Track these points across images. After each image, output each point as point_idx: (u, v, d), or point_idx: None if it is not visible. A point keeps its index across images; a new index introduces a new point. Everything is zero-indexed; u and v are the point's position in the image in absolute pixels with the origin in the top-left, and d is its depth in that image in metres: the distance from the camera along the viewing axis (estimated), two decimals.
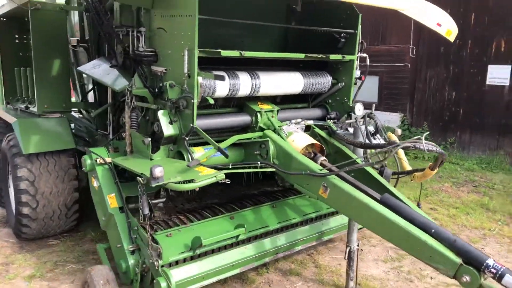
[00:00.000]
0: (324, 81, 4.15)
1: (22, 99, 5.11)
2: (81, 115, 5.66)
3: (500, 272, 2.31)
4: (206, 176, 2.80)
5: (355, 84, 4.20)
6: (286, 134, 3.52)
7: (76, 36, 5.07)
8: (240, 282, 4.01)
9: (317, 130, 3.87)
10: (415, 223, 2.71)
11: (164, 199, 3.82)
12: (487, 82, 8.82)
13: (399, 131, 3.96)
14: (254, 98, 3.92)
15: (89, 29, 4.58)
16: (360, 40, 4.04)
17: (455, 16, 4.41)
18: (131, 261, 3.29)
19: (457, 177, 7.85)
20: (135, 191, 3.66)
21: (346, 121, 3.75)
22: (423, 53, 9.86)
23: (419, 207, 3.07)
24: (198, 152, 3.36)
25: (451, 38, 4.33)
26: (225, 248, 3.46)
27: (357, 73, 4.15)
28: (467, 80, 9.15)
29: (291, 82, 3.93)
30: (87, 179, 4.88)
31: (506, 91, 8.58)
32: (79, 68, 4.26)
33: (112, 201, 3.47)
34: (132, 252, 3.31)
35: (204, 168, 2.98)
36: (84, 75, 5.26)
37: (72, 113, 5.34)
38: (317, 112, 4.31)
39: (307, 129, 3.94)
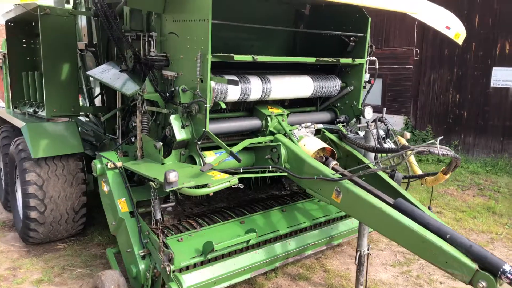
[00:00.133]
0: (333, 85, 4.14)
1: (30, 103, 5.11)
2: (87, 119, 5.65)
3: None
4: (219, 181, 2.79)
5: (364, 87, 4.20)
6: (297, 138, 3.52)
7: (83, 40, 5.07)
8: (249, 286, 4.00)
9: (327, 134, 3.86)
10: (429, 228, 2.70)
11: (173, 203, 3.81)
12: (492, 85, 8.82)
13: (408, 135, 3.95)
14: (263, 102, 3.92)
15: (98, 34, 4.57)
16: (370, 44, 4.04)
17: (460, 18, 4.42)
18: (142, 266, 3.27)
19: (462, 180, 7.83)
20: (144, 196, 3.66)
21: (358, 125, 3.74)
22: (426, 56, 9.86)
23: (430, 210, 3.06)
24: (210, 157, 3.36)
25: (460, 40, 4.34)
26: (235, 252, 3.45)
27: (366, 76, 4.15)
28: (471, 83, 9.15)
29: (301, 86, 3.93)
30: (94, 183, 4.91)
31: (510, 94, 8.57)
32: (88, 72, 4.26)
33: (122, 205, 3.45)
34: (143, 257, 3.29)
35: (217, 172, 2.97)
36: (91, 79, 5.26)
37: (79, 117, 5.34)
38: (326, 116, 4.31)
39: (317, 132, 3.93)
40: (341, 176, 3.05)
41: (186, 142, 3.30)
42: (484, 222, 5.78)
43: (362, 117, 4.10)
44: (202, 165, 3.16)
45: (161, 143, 3.26)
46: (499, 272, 2.37)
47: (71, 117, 4.72)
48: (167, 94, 3.37)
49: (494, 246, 5.10)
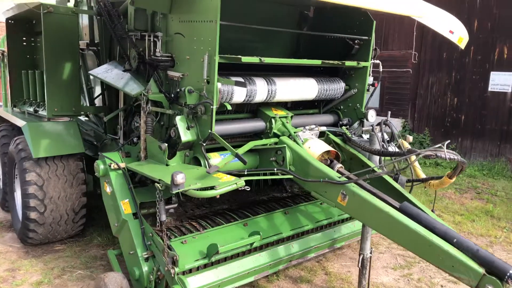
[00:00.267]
0: (337, 87, 4.14)
1: (30, 102, 5.05)
2: (87, 119, 5.60)
3: None
4: (226, 183, 2.78)
5: (368, 90, 4.20)
6: (302, 141, 3.51)
7: (84, 39, 5.03)
8: None
9: (331, 136, 3.86)
10: (436, 232, 2.70)
11: (176, 205, 3.78)
12: (489, 89, 8.87)
13: (410, 138, 3.96)
14: (267, 104, 3.90)
15: (100, 33, 4.53)
16: (374, 47, 4.05)
17: None
18: (145, 268, 3.24)
19: (460, 183, 7.87)
20: (147, 197, 3.64)
21: (364, 128, 3.74)
22: (425, 59, 9.90)
23: (434, 213, 3.07)
24: (214, 158, 3.34)
25: (462, 45, 4.36)
26: (238, 255, 3.43)
27: (370, 79, 4.15)
28: (469, 87, 9.20)
29: (305, 88, 3.92)
30: (94, 184, 4.87)
31: (508, 98, 8.63)
32: (90, 72, 4.22)
33: (126, 207, 3.42)
34: (146, 259, 3.26)
35: (223, 174, 2.95)
36: (91, 78, 5.22)
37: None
38: (329, 118, 4.30)
39: (321, 135, 3.93)
40: (347, 179, 3.05)
41: (191, 143, 3.27)
42: (482, 226, 5.81)
43: (365, 120, 4.10)
44: (207, 167, 3.14)
45: (166, 144, 3.23)
46: (506, 277, 2.38)
47: (72, 117, 4.68)
48: (172, 95, 3.35)
49: (493, 249, 5.13)
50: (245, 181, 3.16)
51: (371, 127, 3.55)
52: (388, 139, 3.59)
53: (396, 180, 3.51)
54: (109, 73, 3.94)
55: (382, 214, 2.80)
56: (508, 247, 5.24)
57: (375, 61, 4.14)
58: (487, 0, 8.79)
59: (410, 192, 3.57)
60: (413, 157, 2.84)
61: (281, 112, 3.83)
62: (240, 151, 3.25)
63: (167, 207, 3.68)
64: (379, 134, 3.48)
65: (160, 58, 3.35)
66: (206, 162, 3.18)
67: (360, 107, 4.21)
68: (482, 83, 8.98)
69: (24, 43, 5.23)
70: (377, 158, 3.60)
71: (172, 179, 2.59)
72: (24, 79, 5.13)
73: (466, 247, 2.57)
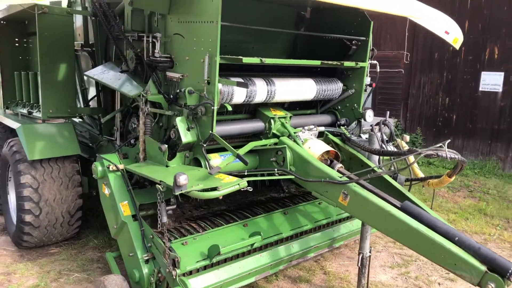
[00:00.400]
0: (335, 88, 4.16)
1: (23, 104, 4.98)
2: (81, 120, 5.54)
3: None
4: (229, 184, 2.76)
5: (365, 90, 4.23)
6: (302, 141, 3.51)
7: (77, 40, 4.97)
8: None
9: (330, 136, 3.87)
10: (437, 230, 2.72)
11: (174, 206, 3.75)
12: (480, 89, 9.00)
13: (407, 138, 3.99)
14: (265, 104, 3.90)
15: (95, 34, 4.49)
16: (371, 47, 4.07)
17: None
18: (145, 270, 3.21)
19: (452, 182, 7.90)
20: (146, 199, 3.61)
21: (363, 128, 3.76)
22: (417, 59, 10.00)
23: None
24: (215, 159, 3.32)
25: (457, 45, 4.41)
26: (237, 256, 3.41)
27: (367, 80, 4.17)
28: (461, 86, 9.32)
29: (304, 89, 3.93)
30: (88, 186, 4.81)
31: (498, 97, 8.75)
32: (87, 73, 4.17)
33: (125, 209, 3.39)
34: (147, 261, 3.23)
35: (224, 175, 2.94)
36: (85, 79, 5.16)
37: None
38: (327, 118, 4.32)
39: (320, 135, 3.94)
40: (348, 179, 3.05)
41: (191, 144, 3.25)
42: (476, 224, 5.88)
43: (363, 120, 4.12)
44: (208, 168, 3.13)
45: (166, 146, 3.21)
46: (508, 274, 2.40)
47: (67, 118, 4.62)
48: (171, 96, 3.32)
49: (488, 247, 5.13)
50: (247, 181, 3.16)
51: (371, 127, 3.57)
52: (387, 139, 3.60)
53: (395, 179, 3.53)
54: (105, 74, 3.90)
55: (384, 213, 2.81)
56: (502, 244, 5.31)
57: (372, 61, 4.16)
58: (478, 1, 8.90)
59: (409, 191, 3.60)
60: (414, 157, 2.85)
61: (280, 113, 3.83)
62: (241, 151, 3.23)
63: (166, 208, 3.67)
64: (379, 134, 3.50)
65: (159, 59, 3.32)
66: (206, 163, 3.16)
67: (357, 107, 4.23)
68: (473, 83, 9.10)
69: (17, 44, 5.15)
70: (376, 157, 3.62)
71: (174, 180, 2.57)
72: (17, 80, 5.05)
73: (468, 245, 2.59)
